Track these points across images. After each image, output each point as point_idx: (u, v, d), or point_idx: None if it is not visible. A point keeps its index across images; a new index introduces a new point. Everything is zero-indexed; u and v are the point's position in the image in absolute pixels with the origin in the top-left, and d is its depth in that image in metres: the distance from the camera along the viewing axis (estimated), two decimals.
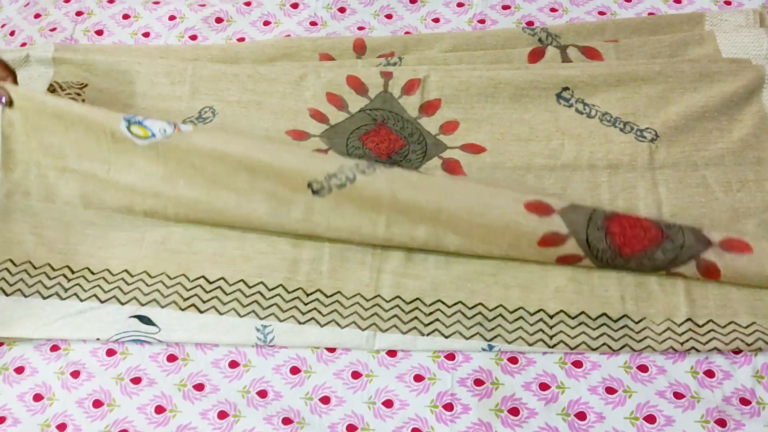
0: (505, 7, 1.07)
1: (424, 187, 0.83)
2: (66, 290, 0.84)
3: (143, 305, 0.83)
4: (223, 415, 0.77)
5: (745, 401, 0.76)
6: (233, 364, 0.80)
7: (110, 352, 0.81)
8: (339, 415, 0.77)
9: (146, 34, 1.07)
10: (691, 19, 1.02)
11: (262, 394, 0.78)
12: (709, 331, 0.78)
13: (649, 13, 1.05)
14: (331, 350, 0.81)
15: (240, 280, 0.84)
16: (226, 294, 0.83)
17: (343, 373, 0.79)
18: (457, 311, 0.81)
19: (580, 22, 1.04)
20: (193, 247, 0.86)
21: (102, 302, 0.83)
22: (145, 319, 0.82)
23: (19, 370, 0.80)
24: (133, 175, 0.86)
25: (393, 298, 0.82)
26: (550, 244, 0.80)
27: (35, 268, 0.85)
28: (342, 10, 1.08)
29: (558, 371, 0.78)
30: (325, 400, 0.78)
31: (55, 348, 0.82)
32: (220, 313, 0.82)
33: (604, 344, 0.78)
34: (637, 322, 0.79)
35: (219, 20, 1.08)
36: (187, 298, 0.83)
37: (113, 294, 0.83)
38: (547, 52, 0.99)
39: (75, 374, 0.80)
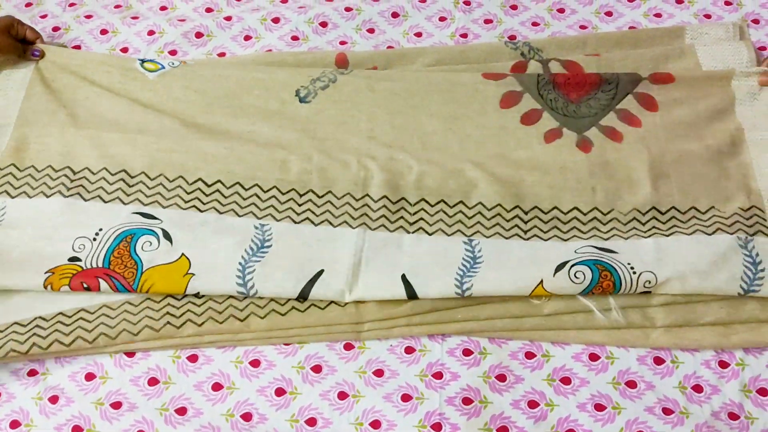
0: (488, 21, 1.07)
1: (397, 77, 0.98)
2: (69, 189, 0.88)
3: (146, 205, 0.87)
4: None
5: (733, 416, 0.76)
6: (216, 387, 0.78)
7: (89, 376, 0.79)
8: None
9: (124, 50, 1.06)
10: (672, 32, 1.02)
11: (247, 417, 0.77)
12: (670, 219, 0.85)
13: (630, 27, 1.06)
14: (317, 370, 0.79)
15: (236, 183, 0.89)
16: (225, 197, 0.88)
17: (330, 393, 0.78)
18: (440, 210, 0.87)
19: (562, 36, 1.04)
20: (185, 146, 0.91)
21: (105, 202, 0.87)
22: (147, 216, 0.86)
23: None
24: (137, 103, 0.96)
25: (380, 198, 0.87)
26: (511, 103, 0.95)
27: (38, 171, 0.90)
28: (324, 24, 1.08)
29: (546, 388, 0.78)
30: (312, 421, 0.76)
31: (32, 372, 0.80)
32: (220, 213, 0.86)
33: (573, 236, 0.85)
34: (605, 213, 0.86)
35: (199, 35, 1.07)
36: (188, 201, 0.87)
37: (116, 195, 0.88)
38: (530, 66, 0.99)
39: (53, 399, 0.78)
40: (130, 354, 0.80)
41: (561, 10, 1.08)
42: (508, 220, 0.86)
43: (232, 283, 0.80)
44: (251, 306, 0.81)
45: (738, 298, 0.80)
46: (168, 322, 0.80)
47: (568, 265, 0.80)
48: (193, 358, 0.80)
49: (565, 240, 0.84)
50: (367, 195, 0.88)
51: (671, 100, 0.94)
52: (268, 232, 0.85)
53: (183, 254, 0.82)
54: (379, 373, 0.79)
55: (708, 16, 1.05)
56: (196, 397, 0.78)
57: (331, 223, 0.86)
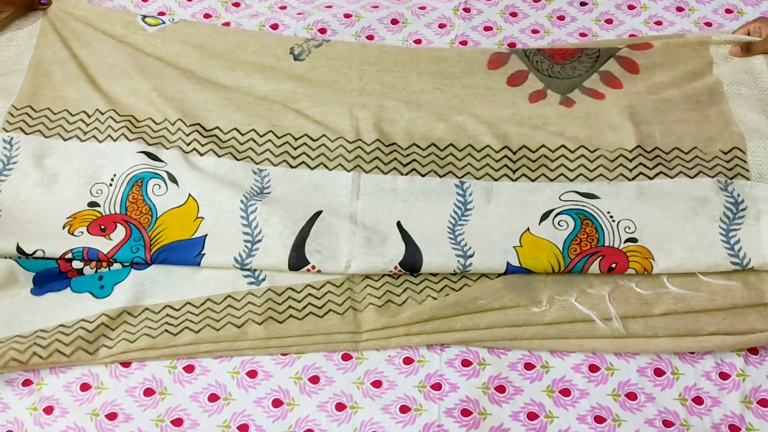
0: (487, 29, 1.07)
1: (387, 46, 1.03)
2: (85, 133, 0.92)
3: (150, 145, 0.90)
4: None
5: (734, 428, 0.75)
6: (213, 398, 0.78)
7: (84, 387, 0.78)
8: None
9: None
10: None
11: (243, 428, 0.76)
12: (655, 157, 0.88)
13: (630, 35, 1.05)
14: (315, 381, 0.79)
15: (233, 128, 0.93)
16: (223, 141, 0.92)
17: (327, 405, 0.77)
18: (431, 153, 0.91)
19: (562, 44, 1.04)
20: (185, 95, 0.95)
21: (114, 141, 0.91)
22: (152, 156, 0.89)
23: None
24: (140, 52, 1.00)
25: (373, 141, 0.91)
26: (498, 64, 0.99)
27: (54, 113, 0.94)
28: (323, 31, 1.07)
29: (546, 400, 0.77)
30: None
31: (27, 383, 0.79)
32: (218, 156, 0.90)
33: (560, 174, 0.89)
34: (592, 151, 0.90)
35: None
36: (189, 143, 0.91)
37: (122, 133, 0.91)
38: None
39: (48, 410, 0.77)
40: (126, 364, 0.80)
41: (561, 18, 1.08)
42: (497, 161, 0.90)
43: (237, 224, 0.83)
44: (249, 314, 0.80)
45: (740, 309, 0.79)
46: (165, 330, 0.79)
47: (552, 214, 0.84)
48: (189, 369, 0.80)
49: (552, 180, 0.88)
50: (360, 139, 0.92)
51: (651, 63, 0.98)
52: (266, 178, 0.89)
53: (190, 195, 0.86)
54: (377, 384, 0.79)
55: (709, 24, 1.05)
56: (192, 408, 0.77)
57: (326, 167, 0.90)
